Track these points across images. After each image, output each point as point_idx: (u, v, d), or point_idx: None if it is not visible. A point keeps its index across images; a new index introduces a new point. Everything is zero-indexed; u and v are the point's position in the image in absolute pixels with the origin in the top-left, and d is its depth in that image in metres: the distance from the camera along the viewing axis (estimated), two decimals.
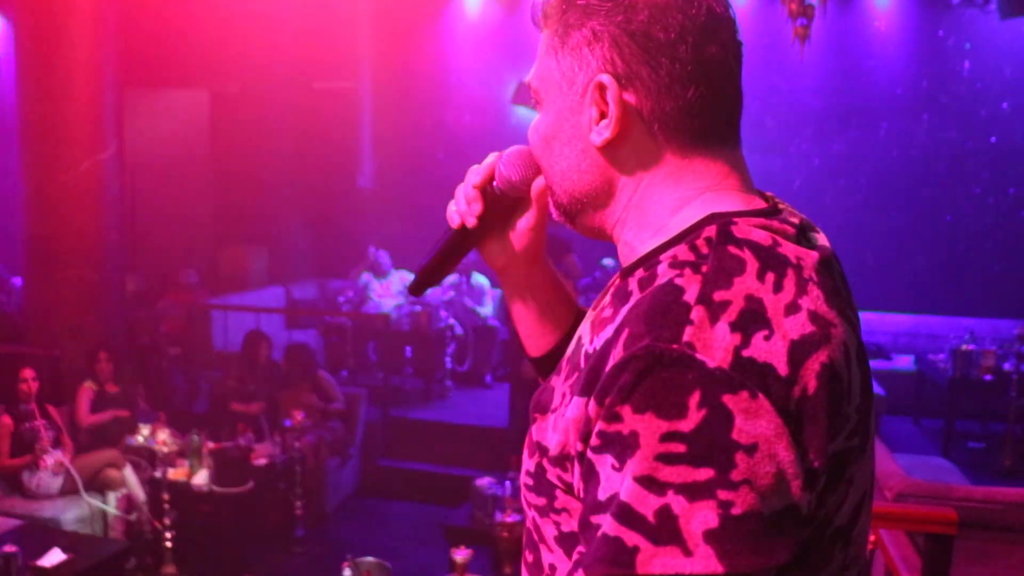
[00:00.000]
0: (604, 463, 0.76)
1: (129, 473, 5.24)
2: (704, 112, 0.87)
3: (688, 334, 0.74)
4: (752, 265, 0.78)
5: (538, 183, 1.05)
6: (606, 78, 0.86)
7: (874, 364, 7.74)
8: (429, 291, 1.24)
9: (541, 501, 0.91)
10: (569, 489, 0.86)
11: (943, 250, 8.32)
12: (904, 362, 7.77)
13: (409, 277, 8.35)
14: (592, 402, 0.78)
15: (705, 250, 0.80)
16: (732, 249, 0.80)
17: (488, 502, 4.84)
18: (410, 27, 9.23)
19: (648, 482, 0.72)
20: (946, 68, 8.21)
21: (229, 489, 5.15)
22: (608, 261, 8.03)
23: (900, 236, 8.43)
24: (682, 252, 0.82)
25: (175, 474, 5.20)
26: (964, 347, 6.59)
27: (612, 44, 0.86)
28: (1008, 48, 8.03)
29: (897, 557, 2.49)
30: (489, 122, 9.22)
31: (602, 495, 0.76)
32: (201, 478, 5.17)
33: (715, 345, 0.73)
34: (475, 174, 1.09)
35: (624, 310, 0.82)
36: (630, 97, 0.86)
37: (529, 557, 0.97)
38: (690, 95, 0.85)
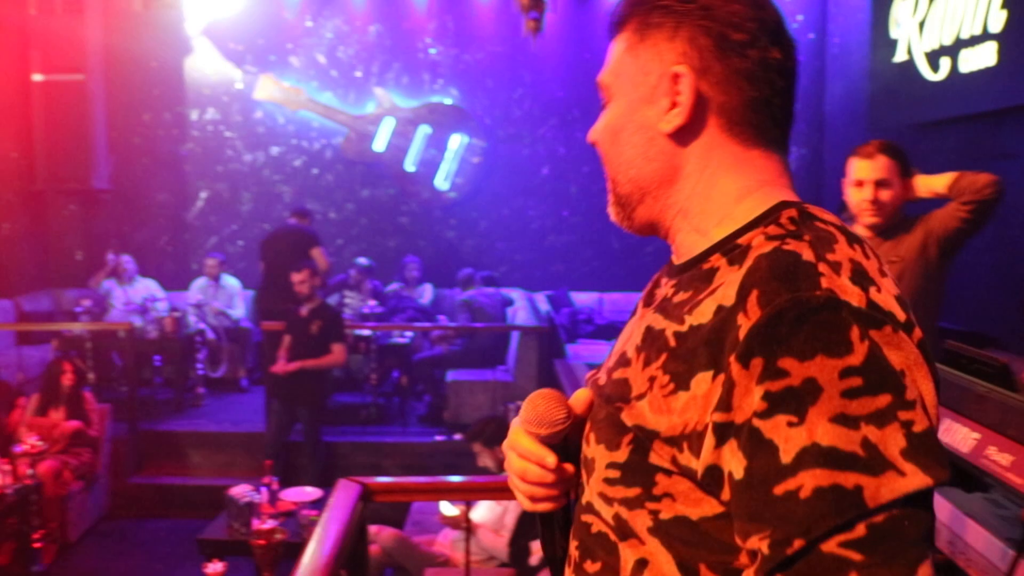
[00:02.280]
0: (778, 425, 0.75)
1: None
2: (765, 110, 0.94)
3: (825, 282, 0.78)
4: (841, 237, 0.85)
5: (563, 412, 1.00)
6: (682, 68, 0.92)
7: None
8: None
9: (634, 491, 0.88)
10: (682, 471, 0.84)
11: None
12: None
13: (153, 284, 7.96)
14: (733, 368, 0.78)
15: (792, 227, 0.86)
16: (819, 224, 0.87)
17: (244, 511, 4.69)
18: (146, 15, 8.70)
19: (843, 420, 0.74)
20: None
21: None
22: (362, 260, 7.99)
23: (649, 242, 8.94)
24: (771, 230, 0.87)
25: None
26: None
27: (689, 40, 0.92)
28: None
29: None
30: (234, 117, 8.89)
31: (786, 458, 0.75)
32: None
33: (850, 292, 0.78)
34: (531, 465, 1.01)
35: (727, 280, 0.84)
36: (703, 88, 0.92)
37: (593, 565, 0.94)
38: (755, 93, 0.93)
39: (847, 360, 0.75)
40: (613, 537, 0.91)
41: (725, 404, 0.79)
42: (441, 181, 8.76)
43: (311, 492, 5.02)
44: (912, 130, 6.10)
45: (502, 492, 3.36)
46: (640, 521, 0.88)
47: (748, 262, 0.84)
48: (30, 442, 5.42)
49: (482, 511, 4.32)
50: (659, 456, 0.86)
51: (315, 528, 2.37)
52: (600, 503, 0.92)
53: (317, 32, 8.78)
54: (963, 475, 1.65)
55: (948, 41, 5.46)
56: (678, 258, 0.99)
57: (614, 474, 0.90)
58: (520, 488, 1.04)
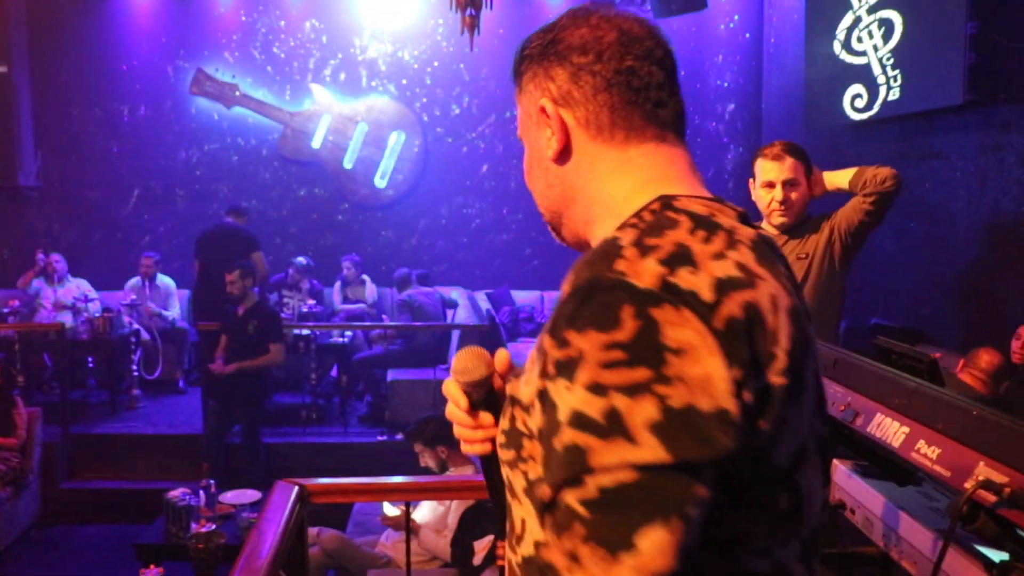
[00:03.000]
0: (559, 388, 0.83)
1: None
2: (633, 111, 1.02)
3: (621, 265, 0.85)
4: (685, 224, 0.91)
5: (487, 364, 1.13)
6: (545, 101, 1.04)
7: None
8: None
9: (510, 455, 0.96)
10: (531, 434, 0.91)
11: None
12: None
13: (85, 284, 7.78)
14: (546, 339, 0.87)
15: (648, 217, 0.94)
16: (670, 214, 0.94)
17: (182, 514, 4.62)
18: (74, 6, 8.49)
19: (594, 388, 0.80)
20: None
21: None
22: (300, 259, 7.91)
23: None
24: (628, 221, 0.96)
25: None
26: None
27: (545, 76, 1.05)
28: None
29: None
30: (167, 113, 8.72)
31: (561, 416, 0.82)
32: None
33: (644, 273, 0.84)
34: (457, 409, 1.16)
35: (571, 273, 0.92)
36: (566, 112, 1.04)
37: (508, 524, 1.01)
38: (613, 99, 1.02)
39: (613, 335, 0.81)
40: (508, 497, 0.99)
41: (542, 372, 0.87)
42: (379, 179, 8.71)
43: (250, 494, 4.98)
44: (846, 129, 6.26)
45: (444, 492, 3.37)
46: (517, 482, 0.96)
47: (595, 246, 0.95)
48: None
49: (424, 511, 4.33)
50: (519, 421, 0.94)
51: (252, 531, 2.35)
52: (502, 463, 1.01)
53: (252, 27, 8.66)
54: (896, 469, 1.70)
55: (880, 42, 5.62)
56: None
57: (503, 439, 0.99)
58: (457, 434, 1.17)
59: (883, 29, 5.67)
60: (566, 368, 0.82)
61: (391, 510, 4.27)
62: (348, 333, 7.36)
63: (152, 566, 3.88)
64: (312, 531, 4.20)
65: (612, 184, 1.03)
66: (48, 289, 7.67)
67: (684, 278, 0.83)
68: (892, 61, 5.59)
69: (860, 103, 5.94)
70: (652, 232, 0.89)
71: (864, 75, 5.87)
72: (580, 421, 0.80)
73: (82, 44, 8.55)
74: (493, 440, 1.11)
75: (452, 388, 1.16)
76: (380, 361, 7.13)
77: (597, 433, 0.79)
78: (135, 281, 7.90)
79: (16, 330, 6.84)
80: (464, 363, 1.14)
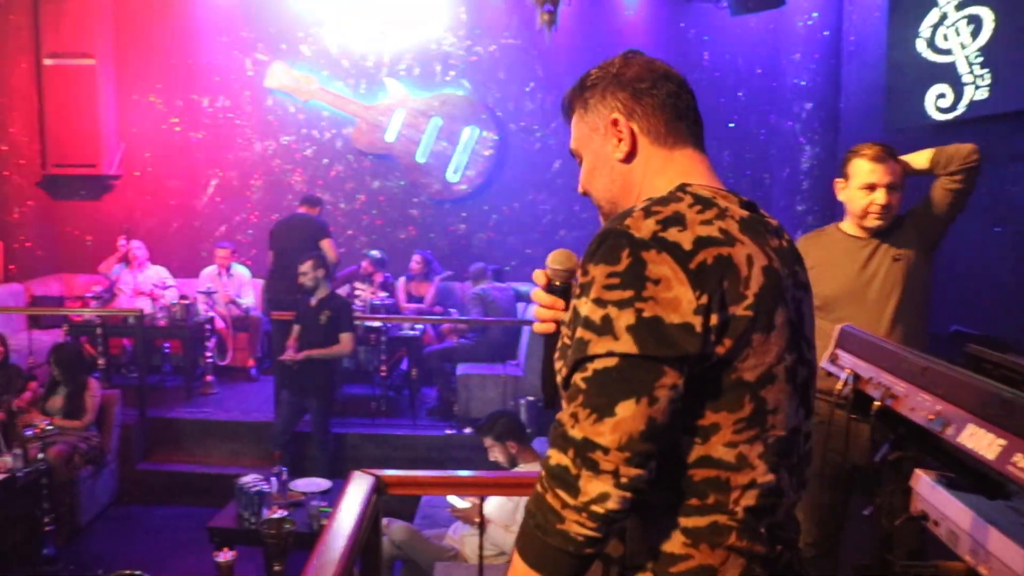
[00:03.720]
0: (581, 302, 1.23)
1: None
2: (678, 123, 1.41)
3: (628, 222, 1.23)
4: (688, 200, 1.27)
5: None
6: (617, 115, 1.41)
7: None
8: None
9: (559, 364, 1.32)
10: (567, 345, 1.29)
11: None
12: None
13: (164, 271, 7.97)
14: (578, 274, 1.26)
15: (663, 195, 1.29)
16: (680, 193, 1.29)
17: (254, 500, 4.69)
18: (159, 1, 8.70)
19: (597, 301, 1.19)
20: (688, 58, 8.75)
21: None
22: (374, 252, 7.98)
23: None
24: (654, 199, 1.29)
25: None
26: None
27: (613, 97, 1.42)
28: (740, 42, 8.69)
29: None
30: (245, 105, 8.88)
31: (578, 321, 1.22)
32: None
33: (643, 228, 1.21)
34: (541, 290, 1.50)
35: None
36: (632, 123, 1.41)
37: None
38: (667, 115, 1.40)
39: (614, 267, 1.19)
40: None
41: (575, 294, 1.27)
42: (452, 174, 8.74)
43: (320, 483, 5.03)
44: (928, 130, 6.07)
45: (513, 487, 3.36)
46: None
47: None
48: (40, 426, 5.44)
49: (492, 506, 4.32)
50: (562, 341, 1.34)
51: (329, 520, 2.36)
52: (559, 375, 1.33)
53: (329, 21, 8.75)
54: (987, 481, 1.63)
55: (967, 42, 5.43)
56: None
57: (556, 354, 1.37)
58: (535, 313, 1.51)
59: (972, 26, 5.48)
60: (585, 288, 1.22)
61: (459, 503, 4.28)
62: (419, 327, 7.39)
63: (225, 549, 3.94)
64: (381, 522, 4.23)
65: (660, 177, 1.38)
66: (128, 275, 7.88)
67: (671, 234, 1.20)
68: (980, 60, 5.39)
69: (944, 103, 5.75)
70: (660, 203, 1.25)
71: (949, 74, 5.68)
72: (587, 323, 1.19)
73: (164, 37, 8.74)
74: (557, 323, 1.46)
75: (541, 275, 1.50)
76: (450, 354, 7.15)
77: (595, 332, 1.18)
78: (211, 270, 8.06)
79: (98, 314, 7.03)
80: (558, 256, 1.50)
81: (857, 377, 2.26)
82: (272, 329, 6.97)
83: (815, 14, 8.01)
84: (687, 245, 1.18)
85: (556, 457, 1.18)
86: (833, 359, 2.91)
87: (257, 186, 8.98)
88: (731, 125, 8.80)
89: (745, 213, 1.28)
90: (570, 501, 1.15)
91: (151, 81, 8.82)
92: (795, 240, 3.26)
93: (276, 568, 4.28)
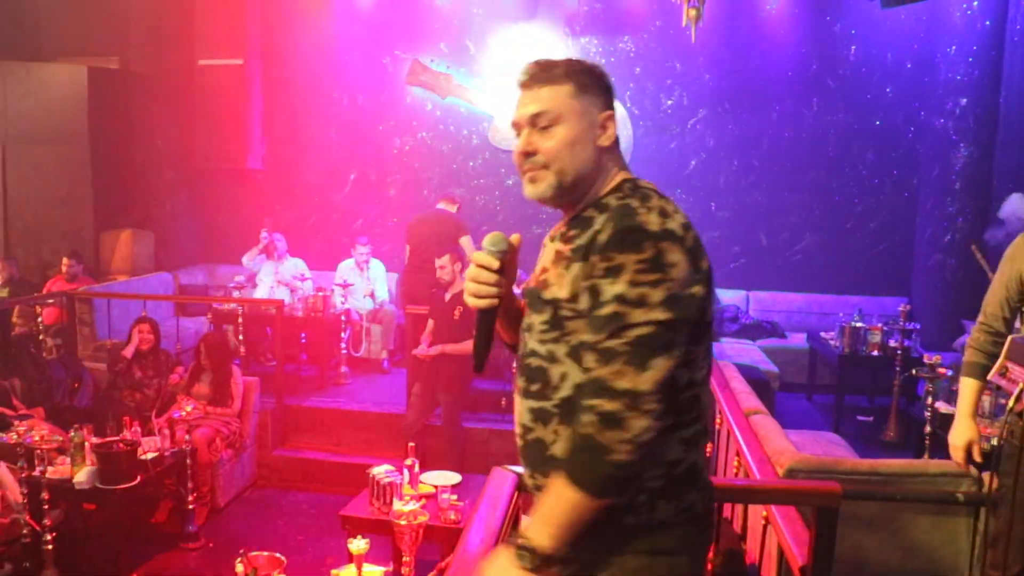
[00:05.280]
0: (604, 283, 1.54)
1: (3, 472, 4.92)
2: (619, 131, 1.79)
3: (638, 219, 1.57)
4: (653, 195, 1.66)
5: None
6: (608, 112, 1.76)
7: (769, 342, 7.87)
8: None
9: (554, 334, 1.66)
10: (578, 314, 1.61)
11: (833, 230, 8.56)
12: (797, 340, 7.97)
13: (302, 264, 8.19)
14: (593, 259, 1.57)
15: (629, 191, 1.68)
16: (642, 188, 1.69)
17: (385, 490, 4.73)
18: (300, 2, 8.96)
19: (633, 283, 1.52)
20: (834, 53, 8.42)
21: (115, 486, 4.89)
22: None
23: (791, 216, 8.62)
24: (619, 194, 1.68)
25: (55, 472, 4.92)
26: (853, 324, 6.77)
27: (608, 97, 1.77)
28: (889, 35, 8.29)
29: (788, 532, 2.50)
30: (382, 102, 9.04)
31: (604, 298, 1.54)
32: (84, 475, 4.90)
33: (652, 223, 1.56)
34: (483, 270, 1.75)
35: (597, 222, 1.61)
36: (611, 122, 1.76)
37: (534, 385, 1.71)
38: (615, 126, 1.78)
39: (641, 255, 1.52)
40: (545, 364, 1.68)
41: (587, 276, 1.58)
42: None
43: (451, 476, 5.04)
44: None
45: None
46: (560, 349, 1.66)
47: (602, 216, 1.62)
48: (187, 409, 5.67)
49: None
50: (565, 310, 1.64)
51: (471, 515, 2.33)
52: (538, 346, 1.70)
53: (467, 18, 8.81)
54: None
55: None
56: (571, 213, 1.75)
57: (543, 327, 1.68)
58: (471, 290, 1.76)
59: None
60: (613, 272, 1.53)
61: None
62: None
63: (359, 536, 3.98)
64: None
65: (611, 171, 1.75)
66: (269, 266, 8.13)
67: (669, 224, 1.57)
68: None
69: None
70: (645, 200, 1.61)
71: None
72: (622, 300, 1.52)
73: (307, 37, 9.00)
74: (497, 298, 1.75)
75: (483, 256, 1.75)
76: None
77: (632, 306, 1.51)
78: (348, 263, 8.22)
79: (240, 304, 7.28)
80: (495, 238, 1.75)
81: None
82: (406, 323, 7.05)
83: (976, 2, 7.55)
84: (679, 231, 1.57)
85: (606, 405, 1.50)
86: (1003, 372, 2.70)
87: (394, 182, 9.13)
88: (877, 123, 8.40)
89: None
90: (624, 437, 1.49)
91: (295, 80, 9.09)
92: (1017, 238, 3.05)
93: (406, 558, 4.32)
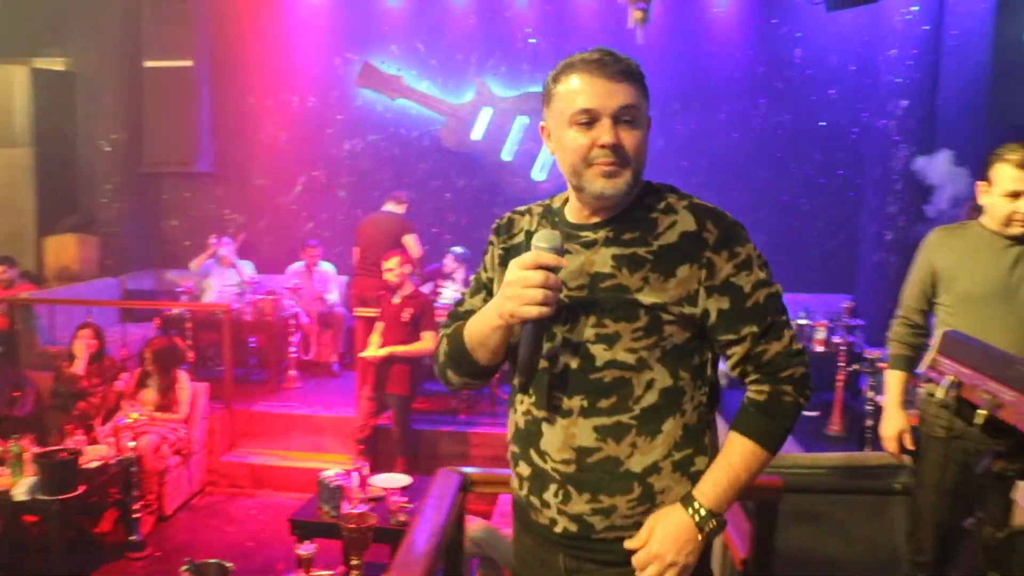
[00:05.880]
0: (740, 277, 1.64)
1: None
2: None
3: (728, 216, 1.70)
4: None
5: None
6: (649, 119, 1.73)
7: None
8: None
9: (651, 339, 1.63)
10: (685, 320, 1.64)
11: (780, 229, 8.67)
12: None
13: (250, 267, 8.10)
14: (712, 256, 1.63)
15: (670, 189, 1.74)
16: (676, 188, 1.76)
17: (335, 494, 4.70)
18: (251, 3, 8.88)
19: (762, 266, 1.68)
20: (780, 55, 8.54)
21: (56, 496, 4.78)
22: (457, 249, 7.97)
23: (740, 216, 8.65)
24: (671, 195, 1.72)
25: None
26: (799, 322, 6.87)
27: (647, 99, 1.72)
28: (833, 38, 8.43)
29: (730, 525, 2.54)
30: (333, 104, 8.99)
31: (747, 289, 1.65)
32: (23, 487, 4.79)
33: (731, 218, 1.70)
34: (538, 268, 1.56)
35: (668, 221, 1.67)
36: None
37: (596, 402, 1.65)
38: None
39: (750, 243, 1.68)
40: (629, 374, 1.64)
41: (709, 275, 1.63)
42: (538, 172, 8.68)
43: (400, 479, 5.01)
44: None
45: None
46: (653, 354, 1.64)
47: (683, 208, 1.68)
48: (132, 416, 5.57)
49: None
50: (670, 314, 1.63)
51: (416, 516, 2.32)
52: (626, 356, 1.63)
53: (418, 20, 8.79)
54: None
55: None
56: (605, 215, 1.71)
57: (638, 334, 1.63)
58: (526, 298, 1.54)
59: None
60: (747, 263, 1.65)
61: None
62: None
63: (307, 541, 3.95)
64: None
65: None
66: (218, 271, 8.04)
67: None
68: None
69: None
70: (694, 197, 1.73)
71: None
72: (765, 283, 1.67)
73: (257, 39, 8.92)
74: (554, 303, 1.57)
75: (546, 255, 1.56)
76: None
77: (771, 285, 1.68)
78: (298, 266, 8.16)
79: (189, 309, 7.19)
80: (549, 235, 1.58)
81: (960, 384, 2.13)
82: (355, 325, 7.02)
83: (914, 8, 7.70)
84: None
85: (801, 369, 1.68)
86: (933, 365, 2.76)
87: (344, 184, 9.08)
88: (822, 124, 8.54)
89: None
90: (809, 392, 1.69)
91: (243, 82, 9.00)
92: (930, 233, 3.13)
93: (354, 562, 4.28)
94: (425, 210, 8.79)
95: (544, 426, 1.70)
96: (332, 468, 4.87)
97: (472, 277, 2.00)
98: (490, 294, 1.86)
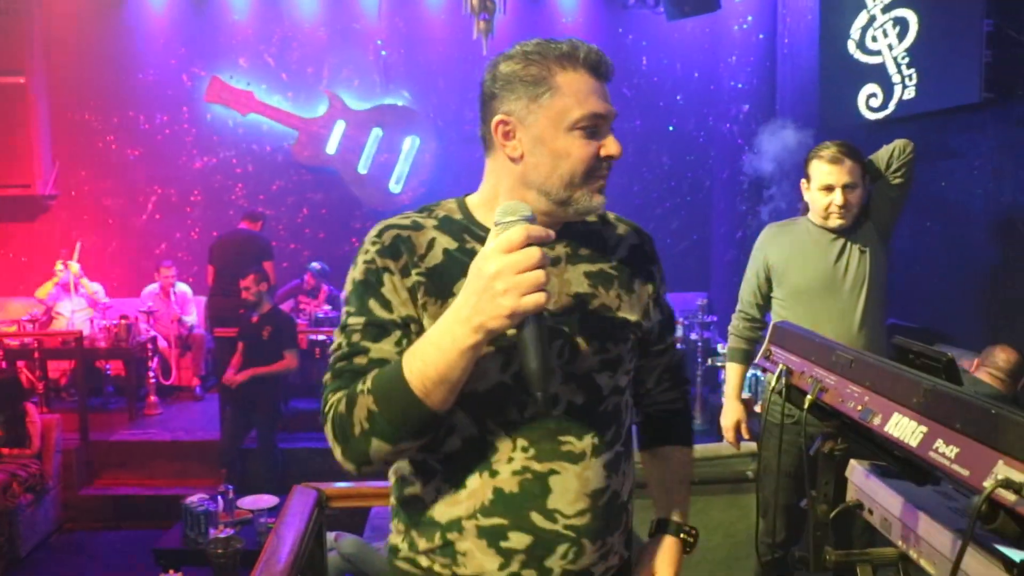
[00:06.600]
0: (663, 286, 1.65)
1: None
2: None
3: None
4: None
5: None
6: None
7: None
8: None
9: (636, 360, 1.57)
10: (644, 335, 1.56)
11: None
12: None
13: (100, 291, 7.82)
14: (651, 270, 1.62)
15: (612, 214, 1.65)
16: None
17: (200, 519, 4.63)
18: (90, 17, 8.55)
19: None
20: (628, 63, 8.85)
21: None
22: (315, 265, 7.93)
23: None
24: (611, 214, 1.64)
25: None
26: None
27: None
28: (677, 47, 8.82)
29: None
30: (183, 121, 8.77)
31: (666, 297, 1.68)
32: None
33: None
34: (528, 247, 1.19)
35: (616, 235, 1.60)
36: None
37: (603, 436, 1.47)
38: None
39: None
40: (620, 399, 1.51)
41: (654, 288, 1.60)
42: (394, 184, 8.72)
43: (267, 499, 4.98)
44: (861, 128, 6.22)
45: None
46: (624, 380, 1.53)
47: (615, 220, 1.62)
48: None
49: None
50: (639, 330, 1.54)
51: (270, 536, 2.35)
52: (623, 380, 1.52)
53: (266, 34, 8.69)
54: (913, 469, 1.68)
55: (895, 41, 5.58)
56: (559, 227, 1.49)
57: (627, 355, 1.52)
58: (525, 283, 1.17)
59: (898, 28, 5.63)
60: (663, 278, 1.65)
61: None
62: None
63: (172, 571, 3.89)
64: (329, 536, 4.20)
65: None
66: (67, 297, 7.73)
67: None
68: (907, 60, 5.55)
69: (875, 102, 5.90)
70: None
71: (879, 74, 5.83)
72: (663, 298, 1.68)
73: (98, 53, 8.61)
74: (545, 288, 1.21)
75: (536, 228, 1.20)
76: None
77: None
78: (153, 288, 7.94)
79: (35, 337, 6.89)
80: (512, 205, 1.24)
81: (790, 372, 2.32)
82: (215, 346, 6.89)
83: (750, 18, 8.16)
84: None
85: (685, 379, 1.80)
86: (767, 355, 2.97)
87: (197, 203, 8.87)
88: (671, 128, 8.91)
89: None
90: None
91: (85, 98, 8.67)
92: (763, 230, 3.35)
93: None
94: (282, 226, 8.70)
95: (553, 480, 1.40)
96: (197, 494, 4.80)
97: (357, 321, 1.44)
98: (408, 335, 1.39)
